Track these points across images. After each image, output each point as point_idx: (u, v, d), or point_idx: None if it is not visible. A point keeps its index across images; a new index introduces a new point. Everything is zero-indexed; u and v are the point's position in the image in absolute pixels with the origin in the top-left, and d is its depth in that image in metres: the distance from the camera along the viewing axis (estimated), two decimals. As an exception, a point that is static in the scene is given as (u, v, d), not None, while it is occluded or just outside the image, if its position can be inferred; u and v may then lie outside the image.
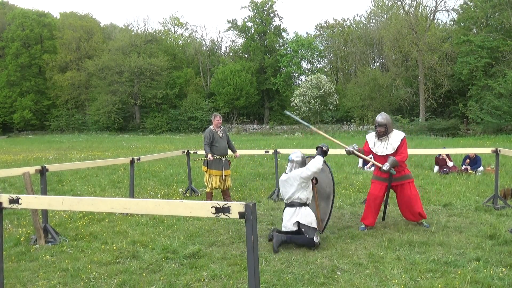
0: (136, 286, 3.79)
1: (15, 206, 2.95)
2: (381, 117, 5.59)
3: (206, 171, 7.35)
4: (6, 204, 2.97)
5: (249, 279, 2.41)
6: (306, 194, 4.90)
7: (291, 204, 4.90)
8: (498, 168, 6.84)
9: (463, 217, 6.02)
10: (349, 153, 5.67)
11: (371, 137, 5.76)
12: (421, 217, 5.53)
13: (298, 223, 4.82)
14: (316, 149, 5.17)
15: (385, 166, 5.35)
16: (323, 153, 5.10)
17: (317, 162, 4.88)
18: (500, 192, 6.91)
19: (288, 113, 6.73)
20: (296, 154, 5.18)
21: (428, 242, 4.81)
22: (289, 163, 5.13)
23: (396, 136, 5.55)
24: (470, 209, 6.46)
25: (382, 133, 5.54)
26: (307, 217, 4.84)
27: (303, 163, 5.07)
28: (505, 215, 6.00)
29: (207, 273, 4.01)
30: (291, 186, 4.90)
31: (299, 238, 4.78)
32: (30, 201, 3.10)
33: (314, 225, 4.87)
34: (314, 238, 4.69)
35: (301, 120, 6.25)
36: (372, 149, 5.67)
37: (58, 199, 2.88)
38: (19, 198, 2.93)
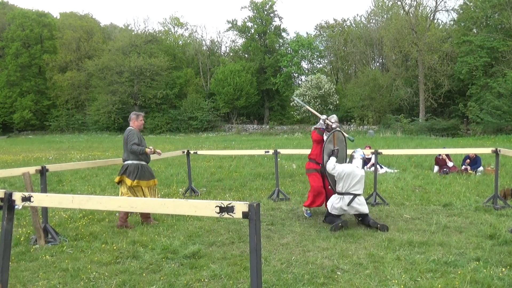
0: (136, 286, 3.79)
1: (27, 203, 3.00)
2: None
3: (130, 185, 5.68)
4: (19, 202, 3.01)
5: (251, 279, 2.40)
6: None
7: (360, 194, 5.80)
8: (498, 168, 6.85)
9: (463, 217, 6.02)
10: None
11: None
12: None
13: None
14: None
15: None
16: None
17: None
18: (500, 192, 6.91)
19: (294, 98, 7.56)
20: (361, 151, 6.11)
21: (428, 242, 4.81)
22: (360, 160, 6.01)
23: None
24: (470, 209, 6.46)
25: None
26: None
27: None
28: (505, 215, 6.00)
29: (207, 273, 4.01)
30: (363, 178, 5.82)
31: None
32: (42, 199, 3.14)
33: None
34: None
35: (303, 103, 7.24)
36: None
37: (68, 197, 2.93)
38: (31, 196, 2.98)
